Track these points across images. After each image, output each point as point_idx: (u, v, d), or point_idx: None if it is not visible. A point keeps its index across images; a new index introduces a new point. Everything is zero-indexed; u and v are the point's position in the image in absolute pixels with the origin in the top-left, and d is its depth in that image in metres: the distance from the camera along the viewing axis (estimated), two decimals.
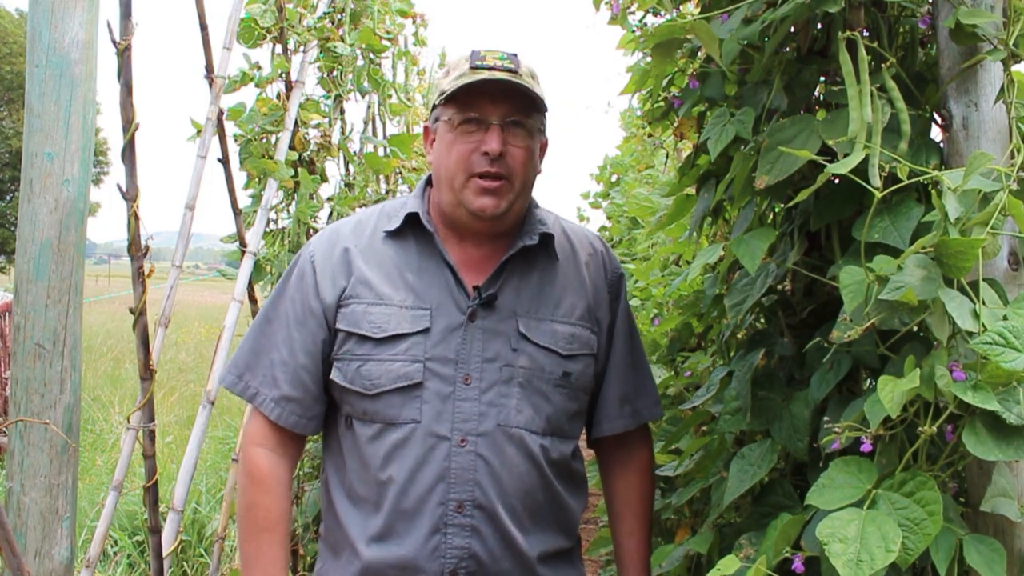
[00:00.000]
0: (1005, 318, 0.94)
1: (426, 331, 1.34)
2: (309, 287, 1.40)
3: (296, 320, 1.40)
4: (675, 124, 1.79)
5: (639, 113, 4.89)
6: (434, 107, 1.40)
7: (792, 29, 1.36)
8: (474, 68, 1.33)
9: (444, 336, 1.34)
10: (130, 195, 1.79)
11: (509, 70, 1.33)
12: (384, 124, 3.70)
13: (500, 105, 1.33)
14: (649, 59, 1.88)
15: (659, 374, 2.48)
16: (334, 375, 1.37)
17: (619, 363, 1.50)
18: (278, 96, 2.76)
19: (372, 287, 1.37)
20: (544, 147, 1.45)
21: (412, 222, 1.41)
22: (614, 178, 6.41)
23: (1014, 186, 0.97)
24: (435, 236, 1.39)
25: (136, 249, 1.83)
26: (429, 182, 1.47)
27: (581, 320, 1.43)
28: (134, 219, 1.81)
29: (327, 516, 1.43)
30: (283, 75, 2.77)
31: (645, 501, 1.54)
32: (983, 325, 0.93)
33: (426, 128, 1.44)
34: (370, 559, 1.32)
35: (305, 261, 1.42)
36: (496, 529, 1.32)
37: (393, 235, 1.41)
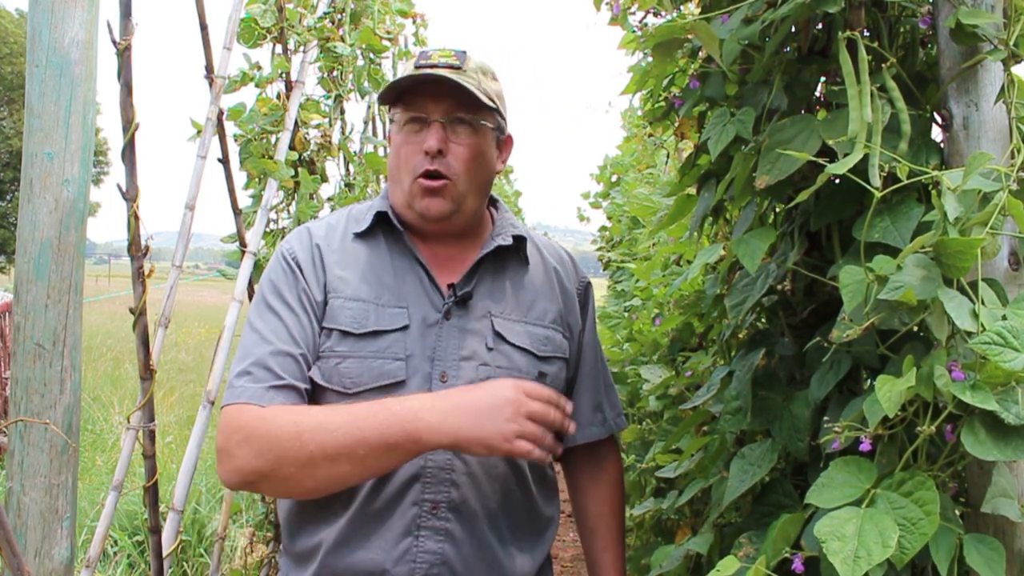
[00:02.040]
0: (1004, 318, 0.94)
1: (405, 328, 1.32)
2: (300, 281, 1.34)
3: (289, 310, 1.31)
4: (676, 124, 1.79)
5: (640, 113, 4.89)
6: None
7: (792, 29, 1.36)
8: (418, 67, 1.32)
9: (421, 333, 1.32)
10: (130, 195, 1.79)
11: (452, 66, 1.32)
12: (384, 124, 3.70)
13: (441, 102, 1.32)
14: (650, 59, 1.88)
15: (660, 374, 2.48)
16: (312, 372, 1.31)
17: (590, 370, 1.52)
18: (278, 96, 2.77)
19: (348, 284, 1.34)
20: (507, 144, 1.45)
21: (381, 222, 1.40)
22: (614, 178, 6.41)
23: (1014, 186, 0.97)
24: (405, 235, 1.38)
25: (136, 249, 1.83)
26: None
27: (554, 324, 1.43)
28: (134, 219, 1.81)
29: (288, 527, 1.36)
30: (283, 75, 2.77)
31: (618, 515, 1.54)
32: (982, 325, 0.93)
33: (389, 135, 1.44)
34: (333, 565, 1.27)
35: (287, 259, 1.36)
36: (472, 535, 1.29)
37: (362, 236, 1.39)
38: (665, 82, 1.80)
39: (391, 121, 1.40)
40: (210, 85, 2.41)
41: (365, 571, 1.25)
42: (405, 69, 1.35)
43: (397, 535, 1.26)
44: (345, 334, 1.31)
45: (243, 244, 2.63)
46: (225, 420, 1.22)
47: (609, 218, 6.20)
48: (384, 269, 1.36)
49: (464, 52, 1.34)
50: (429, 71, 1.31)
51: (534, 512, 1.39)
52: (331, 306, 1.32)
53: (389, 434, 1.12)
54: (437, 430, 1.13)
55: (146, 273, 1.85)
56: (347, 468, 1.14)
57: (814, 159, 1.05)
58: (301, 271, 1.34)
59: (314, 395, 1.32)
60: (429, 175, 1.33)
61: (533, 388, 1.17)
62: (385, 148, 3.56)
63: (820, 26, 1.38)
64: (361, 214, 1.43)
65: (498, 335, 1.36)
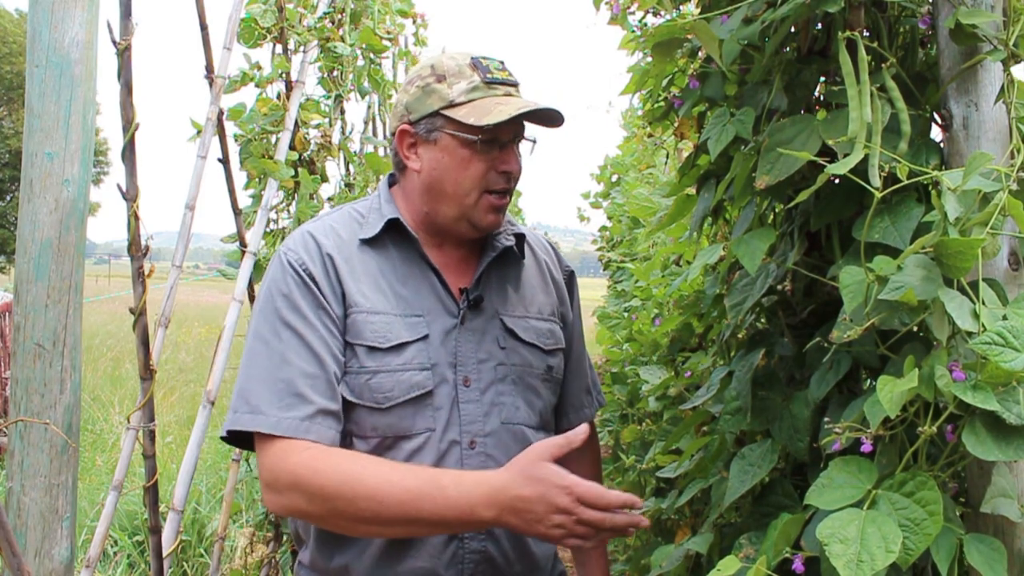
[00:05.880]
0: (1005, 318, 0.94)
1: (426, 338, 1.31)
2: (318, 295, 1.29)
3: (311, 328, 1.27)
4: (675, 124, 1.79)
5: (640, 113, 4.89)
6: (431, 115, 1.32)
7: (792, 29, 1.36)
8: (488, 83, 1.31)
9: (442, 341, 1.33)
10: (130, 195, 1.79)
11: (515, 84, 1.35)
12: (384, 124, 3.70)
13: (515, 123, 1.32)
14: (649, 59, 1.88)
15: (659, 374, 2.48)
16: (342, 389, 1.28)
17: (579, 356, 1.56)
18: (278, 96, 2.76)
19: (366, 297, 1.31)
20: None
21: (390, 228, 1.36)
22: (615, 178, 6.40)
23: (1014, 186, 0.97)
24: (418, 242, 1.36)
25: (136, 249, 1.83)
26: (389, 183, 1.44)
27: (551, 316, 1.47)
28: (134, 219, 1.81)
29: (316, 540, 1.33)
30: (283, 75, 2.77)
31: None
32: (982, 325, 0.93)
33: (406, 131, 1.35)
34: None
35: (298, 271, 1.30)
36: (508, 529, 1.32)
37: (370, 242, 1.35)
38: (665, 82, 1.80)
39: (435, 130, 1.32)
40: (210, 85, 2.41)
41: None
42: (471, 83, 1.31)
43: (443, 540, 1.28)
44: (372, 349, 1.28)
45: (243, 244, 2.63)
46: (271, 456, 1.21)
47: (609, 218, 6.20)
48: (396, 278, 1.34)
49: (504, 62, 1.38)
50: (520, 103, 1.31)
51: None
52: (352, 320, 1.29)
53: (444, 519, 1.15)
54: (490, 522, 1.16)
55: (146, 273, 1.85)
56: (397, 531, 1.21)
57: (814, 159, 1.05)
58: (316, 284, 1.29)
59: (344, 410, 1.29)
60: (499, 192, 1.34)
61: (592, 495, 1.13)
62: (385, 148, 3.56)
63: (820, 26, 1.38)
64: (363, 216, 1.39)
65: (509, 333, 1.38)
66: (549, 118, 1.34)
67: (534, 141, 1.38)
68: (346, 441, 1.30)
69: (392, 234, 1.37)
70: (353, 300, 1.31)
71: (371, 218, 1.38)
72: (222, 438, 1.29)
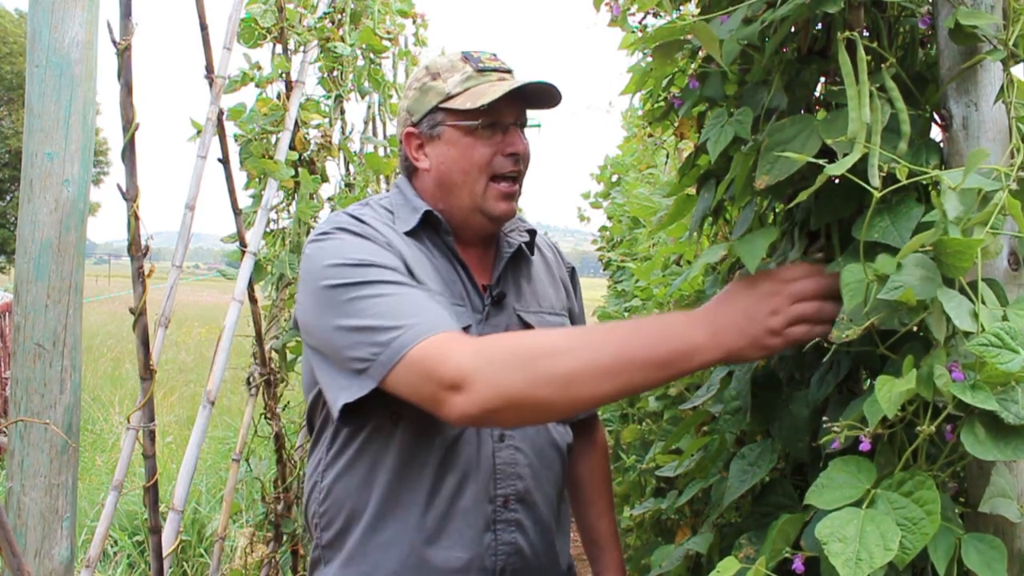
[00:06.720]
0: (1005, 318, 0.94)
1: (468, 328, 1.33)
2: (390, 253, 1.26)
3: (395, 271, 1.23)
4: (675, 124, 1.79)
5: (640, 113, 4.89)
6: (431, 112, 1.36)
7: (792, 29, 1.36)
8: (481, 71, 1.34)
9: (471, 333, 1.34)
10: (130, 195, 1.79)
11: (508, 71, 1.37)
12: (384, 124, 3.70)
13: (514, 106, 1.35)
14: (649, 59, 1.88)
15: None
16: None
17: None
18: (278, 96, 2.77)
19: (426, 273, 1.31)
20: None
21: (424, 223, 1.37)
22: (615, 178, 6.40)
23: (1013, 186, 0.97)
24: (450, 236, 1.38)
25: (136, 249, 1.83)
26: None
27: (561, 311, 1.50)
28: (134, 219, 1.81)
29: (353, 523, 1.33)
30: (283, 75, 2.78)
31: (609, 483, 1.64)
32: (981, 325, 0.93)
33: (411, 134, 1.38)
34: (421, 564, 1.29)
35: (356, 231, 1.27)
36: (536, 522, 1.37)
37: (408, 234, 1.36)
38: (665, 82, 1.80)
39: (437, 125, 1.35)
40: (210, 85, 2.41)
41: (458, 569, 1.30)
42: (464, 74, 1.34)
43: (479, 531, 1.32)
44: None
45: (243, 244, 2.63)
46: (436, 353, 1.07)
47: (609, 218, 6.19)
48: (434, 269, 1.35)
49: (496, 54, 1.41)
50: (511, 79, 1.34)
51: (564, 493, 1.49)
52: None
53: (660, 353, 1.04)
54: (709, 347, 1.05)
55: (146, 273, 1.85)
56: (607, 387, 1.04)
57: (812, 161, 1.05)
58: (386, 244, 1.27)
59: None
60: (511, 178, 1.35)
61: (788, 271, 1.06)
62: (386, 148, 3.56)
63: (820, 26, 1.38)
64: (394, 209, 1.38)
65: (526, 328, 1.41)
66: (547, 97, 1.37)
67: (539, 125, 1.41)
68: (392, 419, 1.28)
69: (426, 228, 1.38)
70: (415, 272, 1.28)
71: (401, 213, 1.37)
72: (344, 408, 1.17)
